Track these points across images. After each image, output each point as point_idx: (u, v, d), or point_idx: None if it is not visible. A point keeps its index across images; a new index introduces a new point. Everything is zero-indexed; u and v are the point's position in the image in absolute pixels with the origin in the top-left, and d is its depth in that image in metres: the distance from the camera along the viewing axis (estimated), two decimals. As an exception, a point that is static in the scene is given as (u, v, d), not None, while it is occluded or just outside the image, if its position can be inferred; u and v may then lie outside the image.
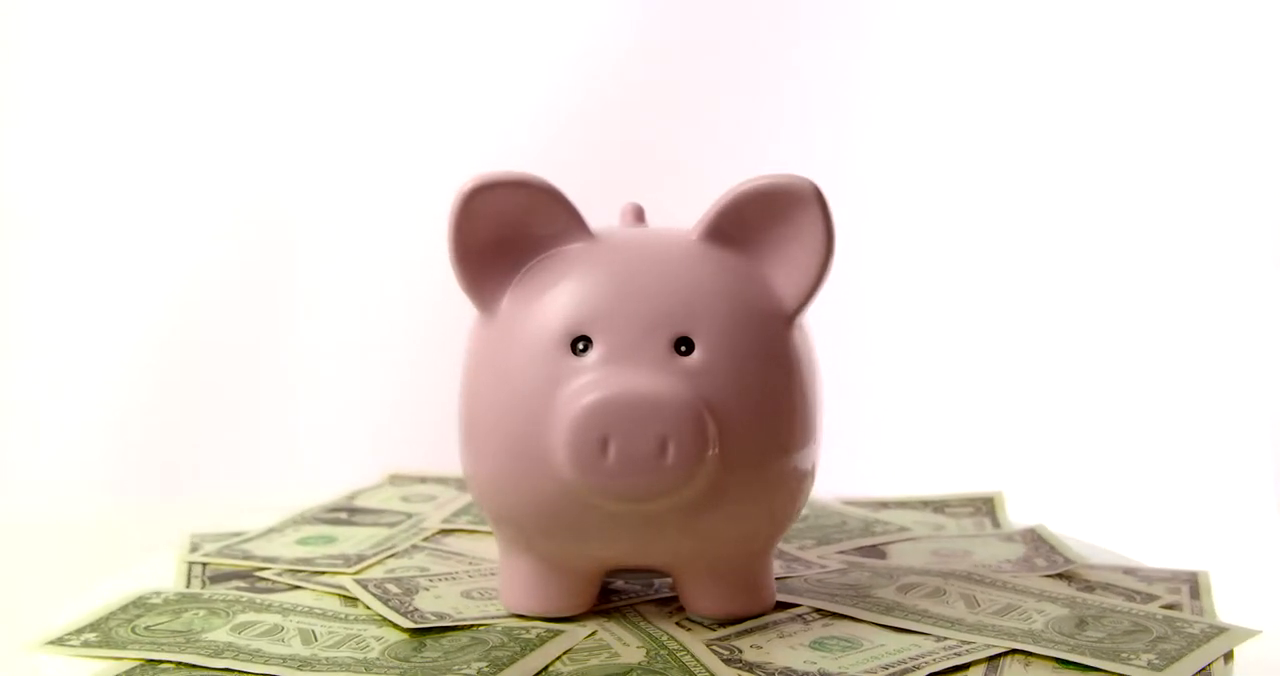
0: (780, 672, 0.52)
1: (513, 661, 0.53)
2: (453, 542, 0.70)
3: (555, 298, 0.55)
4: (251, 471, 1.05)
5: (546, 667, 0.53)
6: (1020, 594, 0.61)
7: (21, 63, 1.07)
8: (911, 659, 0.54)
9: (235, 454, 1.08)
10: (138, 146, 1.09)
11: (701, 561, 0.57)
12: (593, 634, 0.56)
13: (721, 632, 0.57)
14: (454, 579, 0.63)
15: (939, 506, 0.78)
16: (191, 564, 0.66)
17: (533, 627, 0.57)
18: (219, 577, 0.64)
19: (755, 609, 0.58)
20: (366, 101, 1.08)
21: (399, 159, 1.08)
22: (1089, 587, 0.63)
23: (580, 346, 0.54)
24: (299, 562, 0.66)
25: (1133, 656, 0.54)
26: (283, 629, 0.57)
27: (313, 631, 0.57)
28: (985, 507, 0.77)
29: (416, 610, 0.59)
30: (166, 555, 0.69)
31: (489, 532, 0.72)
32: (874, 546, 0.70)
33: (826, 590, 0.62)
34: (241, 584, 0.63)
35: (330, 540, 0.70)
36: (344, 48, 1.08)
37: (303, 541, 0.70)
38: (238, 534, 0.71)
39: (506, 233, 0.56)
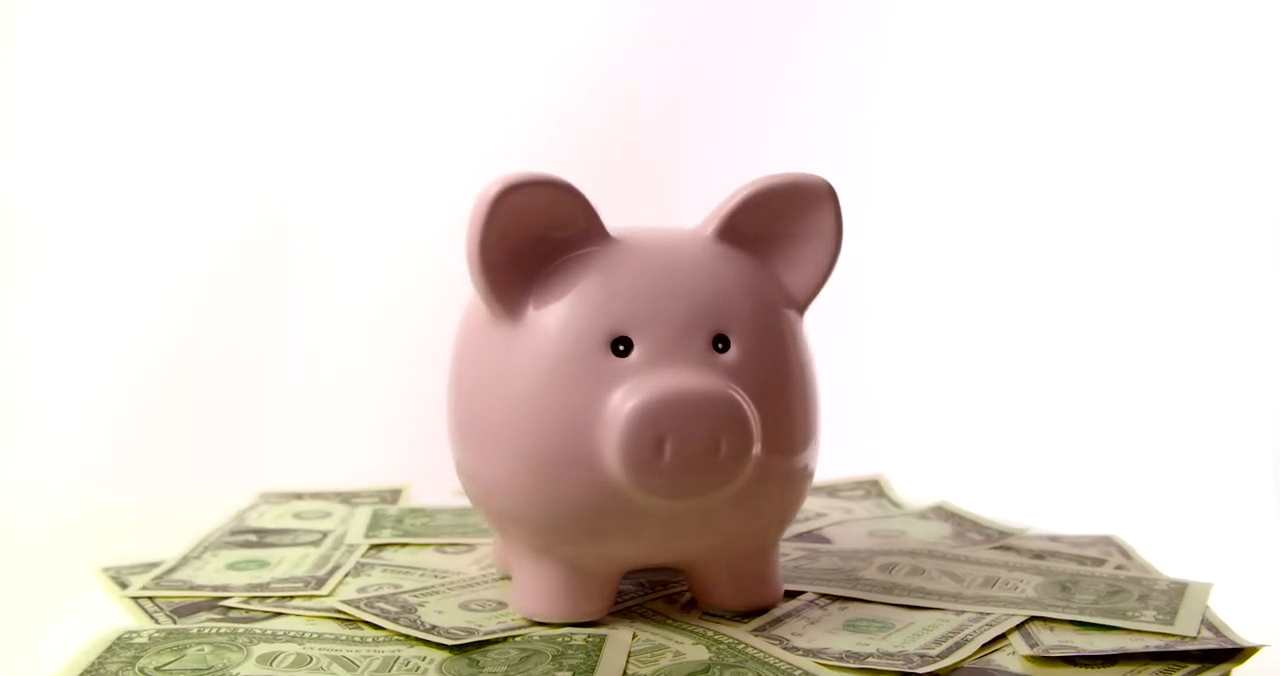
0: (846, 655, 0.54)
1: (591, 668, 0.52)
2: (394, 557, 0.67)
3: (590, 300, 0.54)
4: (248, 473, 0.99)
5: (625, 672, 0.52)
6: (989, 566, 0.65)
7: (22, 63, 1.04)
8: (952, 633, 0.56)
9: (233, 455, 1.03)
10: (138, 148, 1.05)
11: (718, 556, 0.58)
12: (634, 635, 0.56)
13: (754, 623, 0.57)
14: (437, 593, 0.61)
15: (831, 491, 0.80)
16: (138, 599, 0.61)
17: (573, 633, 0.56)
18: (183, 610, 0.59)
19: (771, 599, 0.59)
20: (366, 103, 1.06)
21: (398, 159, 1.05)
22: (1039, 556, 0.67)
23: (621, 348, 0.54)
24: (255, 589, 0.62)
25: (1135, 614, 0.58)
26: (312, 658, 0.53)
27: (346, 657, 0.54)
28: (875, 490, 0.81)
29: (436, 627, 0.56)
30: (91, 591, 0.63)
31: (424, 544, 0.69)
32: (810, 532, 0.71)
33: (817, 576, 0.63)
34: (214, 615, 0.59)
35: (263, 564, 0.66)
36: (342, 49, 1.06)
37: (234, 567, 0.65)
38: (153, 564, 0.66)
39: (530, 235, 0.55)
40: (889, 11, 1.01)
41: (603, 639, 0.55)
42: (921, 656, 0.53)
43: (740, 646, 0.54)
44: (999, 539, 0.70)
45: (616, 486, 0.53)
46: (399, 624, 0.57)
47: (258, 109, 1.06)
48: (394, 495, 0.80)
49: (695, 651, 0.54)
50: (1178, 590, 0.61)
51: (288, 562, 0.66)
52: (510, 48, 1.02)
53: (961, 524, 0.73)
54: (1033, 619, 0.58)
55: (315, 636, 0.56)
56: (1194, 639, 0.55)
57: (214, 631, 0.56)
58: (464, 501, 0.78)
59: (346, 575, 0.64)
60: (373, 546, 0.69)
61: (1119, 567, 0.65)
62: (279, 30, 1.06)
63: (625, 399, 0.53)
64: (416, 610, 0.58)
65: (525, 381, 0.54)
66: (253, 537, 0.71)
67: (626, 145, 0.96)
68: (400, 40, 1.05)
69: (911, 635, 0.56)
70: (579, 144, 0.96)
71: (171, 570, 0.65)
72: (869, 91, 1.01)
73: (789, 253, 0.58)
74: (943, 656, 0.53)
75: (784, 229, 0.58)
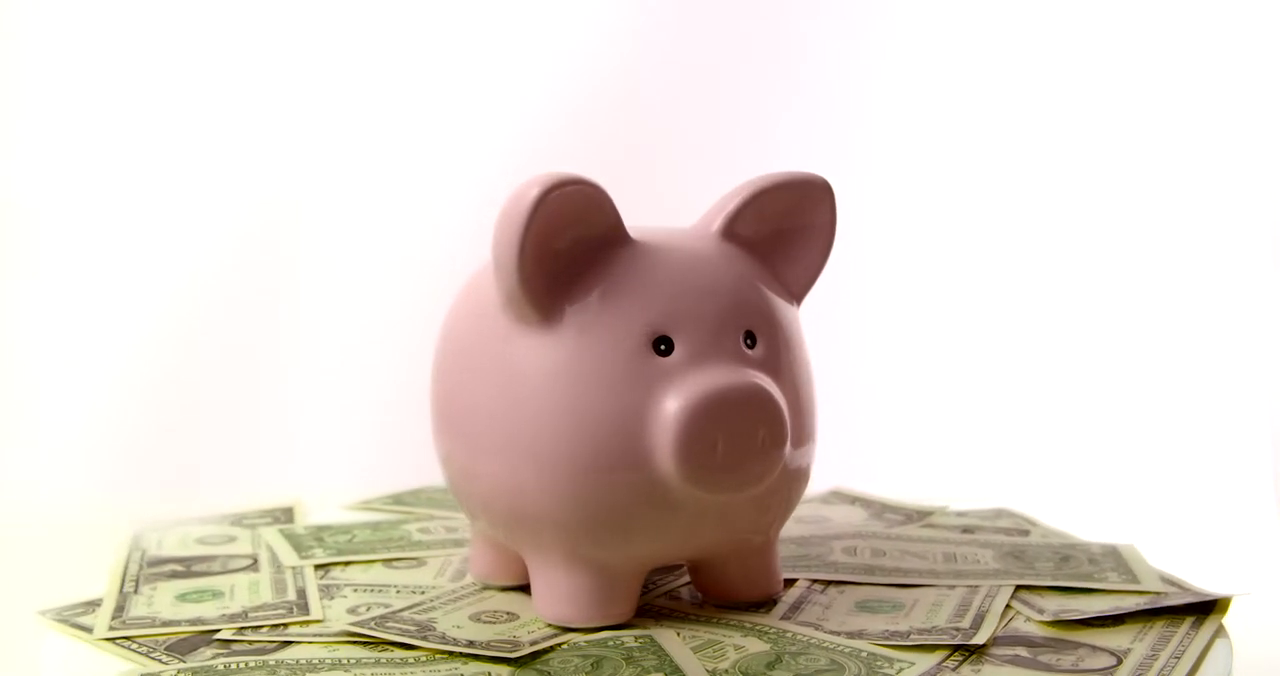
0: (888, 634, 0.55)
1: (675, 668, 0.52)
2: (347, 576, 0.64)
3: (631, 301, 0.54)
4: (249, 474, 0.98)
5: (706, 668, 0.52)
6: (934, 543, 0.68)
7: (22, 62, 1.01)
8: (964, 606, 0.59)
9: (232, 456, 1.01)
10: (139, 147, 1.02)
11: (730, 550, 0.59)
12: (678, 633, 0.56)
13: (777, 612, 0.58)
14: (434, 608, 0.59)
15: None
16: (114, 639, 0.56)
17: (618, 636, 0.55)
18: (178, 648, 0.55)
19: (777, 588, 0.60)
20: (368, 103, 1.03)
21: (400, 158, 1.02)
22: (967, 530, 0.71)
23: (663, 347, 0.54)
24: (234, 619, 0.58)
25: (1100, 576, 0.63)
26: (373, 684, 0.51)
27: (407, 680, 0.52)
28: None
29: (474, 642, 0.55)
30: (39, 634, 0.58)
31: (370, 561, 0.67)
32: (739, 523, 0.73)
33: (794, 564, 0.64)
34: (218, 650, 0.55)
35: (216, 593, 0.62)
36: (344, 50, 1.03)
37: (186, 599, 0.61)
38: (89, 602, 0.61)
39: (565, 236, 0.54)
40: (890, 11, 1.02)
41: (651, 638, 0.55)
42: (957, 629, 0.56)
43: (789, 634, 0.55)
44: (920, 518, 0.74)
45: (665, 485, 0.53)
46: (429, 641, 0.55)
47: (260, 109, 1.02)
48: (287, 513, 0.76)
49: (750, 643, 0.55)
50: (1113, 552, 0.67)
51: (242, 590, 0.62)
52: (509, 48, 1.00)
53: (870, 506, 0.76)
54: (1018, 587, 0.61)
55: (354, 661, 0.53)
56: (1167, 595, 0.60)
57: (240, 666, 0.52)
58: (361, 515, 0.76)
59: (321, 598, 0.61)
60: (317, 567, 0.66)
61: (1045, 536, 0.70)
62: (281, 28, 1.02)
63: (679, 398, 0.53)
64: (434, 627, 0.57)
65: (566, 385, 0.53)
66: (178, 567, 0.66)
67: (625, 146, 0.94)
68: (401, 40, 1.03)
69: (927, 612, 0.58)
70: (576, 144, 0.94)
71: (121, 607, 0.60)
72: (870, 91, 1.02)
73: (788, 249, 0.59)
74: (974, 628, 0.56)
75: (784, 226, 0.59)
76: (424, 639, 0.55)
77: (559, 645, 0.55)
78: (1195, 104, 1.01)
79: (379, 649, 0.55)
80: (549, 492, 0.54)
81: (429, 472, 0.62)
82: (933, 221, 1.04)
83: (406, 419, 0.62)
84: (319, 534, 0.71)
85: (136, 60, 1.03)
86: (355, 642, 0.55)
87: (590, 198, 0.54)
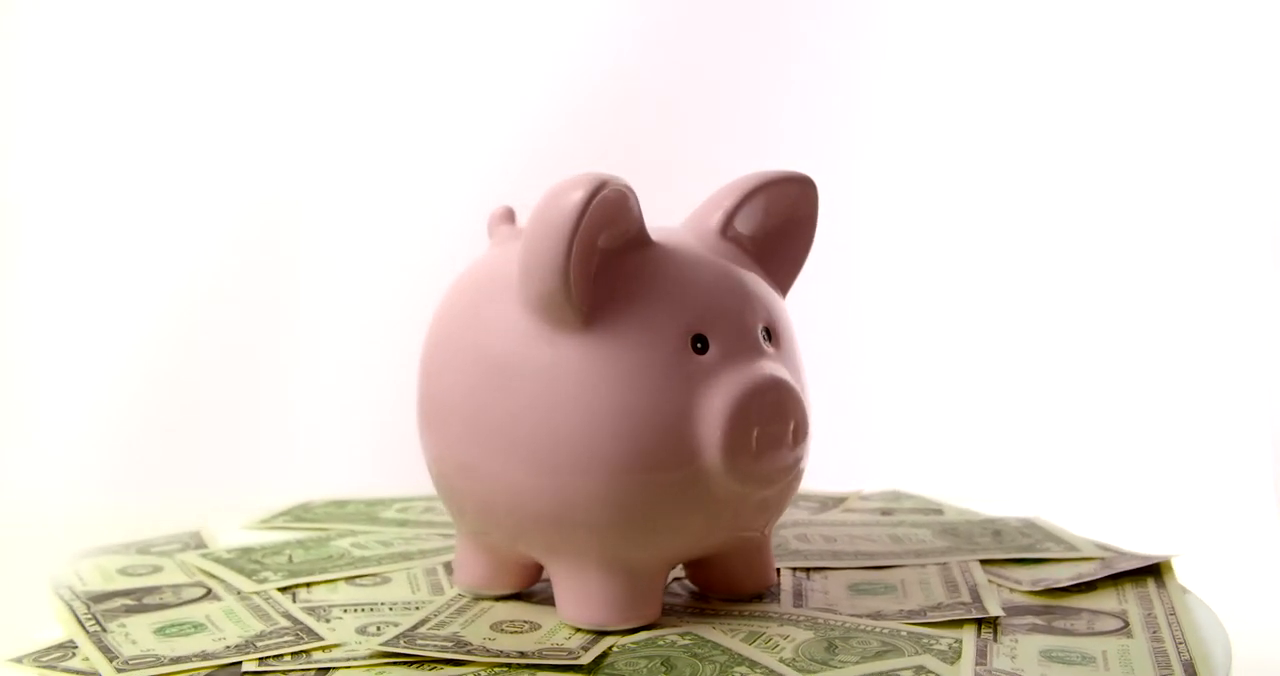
0: (905, 613, 0.58)
1: (755, 664, 0.52)
2: (319, 596, 0.62)
3: (669, 302, 0.54)
4: (250, 474, 0.95)
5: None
6: (871, 526, 0.71)
7: (22, 63, 1.00)
8: (952, 583, 0.62)
9: (232, 456, 0.98)
10: (139, 148, 1.01)
11: (734, 546, 0.60)
12: (713, 628, 0.57)
13: (786, 602, 0.60)
14: (447, 622, 0.58)
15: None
16: (135, 681, 0.52)
17: (664, 635, 0.55)
18: (211, 684, 0.52)
19: (772, 579, 0.62)
20: (367, 103, 1.00)
21: (400, 158, 0.98)
22: (888, 512, 0.74)
23: (699, 346, 0.55)
24: (240, 651, 0.55)
25: (1042, 547, 0.67)
26: (457, 702, 0.50)
27: (489, 695, 0.50)
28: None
29: (524, 652, 0.54)
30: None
31: (333, 581, 0.64)
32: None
33: (763, 553, 0.66)
34: (257, 683, 0.52)
35: (198, 626, 0.58)
36: (344, 48, 1.01)
37: (168, 633, 0.57)
38: (62, 645, 0.56)
39: (604, 237, 0.54)
40: (888, 11, 1.02)
41: (699, 636, 0.55)
42: (963, 604, 0.59)
43: (821, 620, 0.57)
44: (835, 505, 0.76)
45: (704, 482, 0.54)
46: (475, 655, 0.54)
47: (260, 110, 0.98)
48: (195, 538, 0.72)
49: (790, 631, 0.56)
50: (1030, 525, 0.71)
51: (222, 620, 0.59)
52: (509, 48, 0.97)
53: (781, 496, 0.78)
54: (983, 562, 0.65)
55: (416, 683, 0.52)
56: (1113, 560, 0.65)
57: (303, 697, 0.50)
58: (269, 534, 0.73)
59: (320, 623, 0.58)
60: (281, 591, 0.63)
61: (960, 514, 0.74)
62: (280, 29, 0.98)
63: (726, 394, 0.53)
64: (467, 640, 0.55)
65: (609, 387, 0.53)
66: (129, 601, 0.62)
67: (625, 146, 0.91)
68: (400, 41, 0.99)
69: (922, 591, 0.61)
70: (575, 144, 0.91)
71: (106, 648, 0.56)
72: (868, 91, 1.02)
73: (779, 245, 0.61)
74: (976, 601, 0.59)
75: (778, 222, 0.60)
76: (468, 653, 0.54)
77: (608, 649, 0.54)
78: (1195, 104, 1.02)
79: (426, 667, 0.53)
80: (588, 495, 0.54)
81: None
82: (918, 218, 1.05)
83: (408, 419, 0.60)
84: (249, 556, 0.68)
85: (136, 62, 0.99)
86: (396, 663, 0.54)
87: (625, 198, 0.54)
